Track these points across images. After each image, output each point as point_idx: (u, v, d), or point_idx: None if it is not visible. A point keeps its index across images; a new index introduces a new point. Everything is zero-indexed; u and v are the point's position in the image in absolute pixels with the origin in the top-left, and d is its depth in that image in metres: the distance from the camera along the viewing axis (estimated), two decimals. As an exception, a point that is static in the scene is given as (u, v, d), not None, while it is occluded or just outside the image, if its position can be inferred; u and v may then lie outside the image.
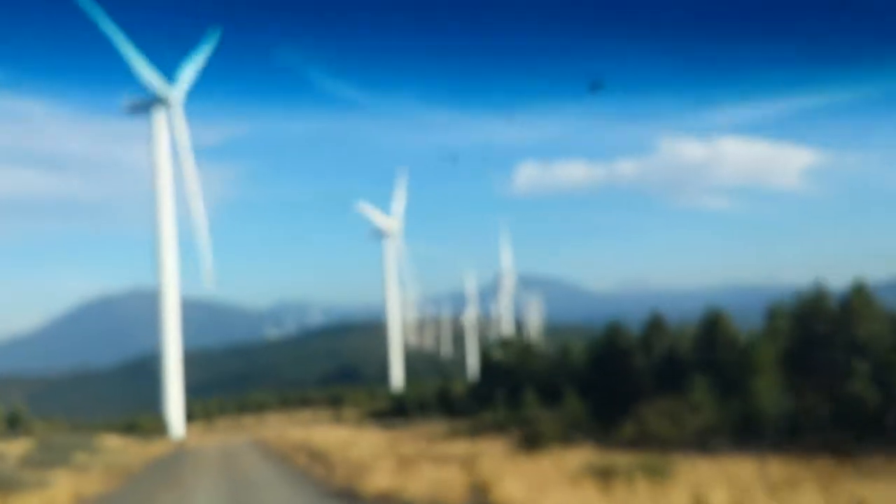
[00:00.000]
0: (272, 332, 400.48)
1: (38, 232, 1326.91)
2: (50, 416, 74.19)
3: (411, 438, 36.64)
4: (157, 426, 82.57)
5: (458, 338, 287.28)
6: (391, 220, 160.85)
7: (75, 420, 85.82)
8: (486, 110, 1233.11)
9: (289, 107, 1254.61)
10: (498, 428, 36.59)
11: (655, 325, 54.57)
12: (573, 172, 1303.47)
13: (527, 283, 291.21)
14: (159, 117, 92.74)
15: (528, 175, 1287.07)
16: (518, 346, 64.49)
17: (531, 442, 24.50)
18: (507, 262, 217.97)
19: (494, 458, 23.89)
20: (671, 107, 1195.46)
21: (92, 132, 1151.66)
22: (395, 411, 69.87)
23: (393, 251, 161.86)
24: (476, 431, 35.02)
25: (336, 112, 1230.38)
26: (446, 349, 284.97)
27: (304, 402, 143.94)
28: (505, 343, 65.55)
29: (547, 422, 24.88)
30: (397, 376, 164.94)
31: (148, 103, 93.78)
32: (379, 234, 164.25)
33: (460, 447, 29.21)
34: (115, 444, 46.54)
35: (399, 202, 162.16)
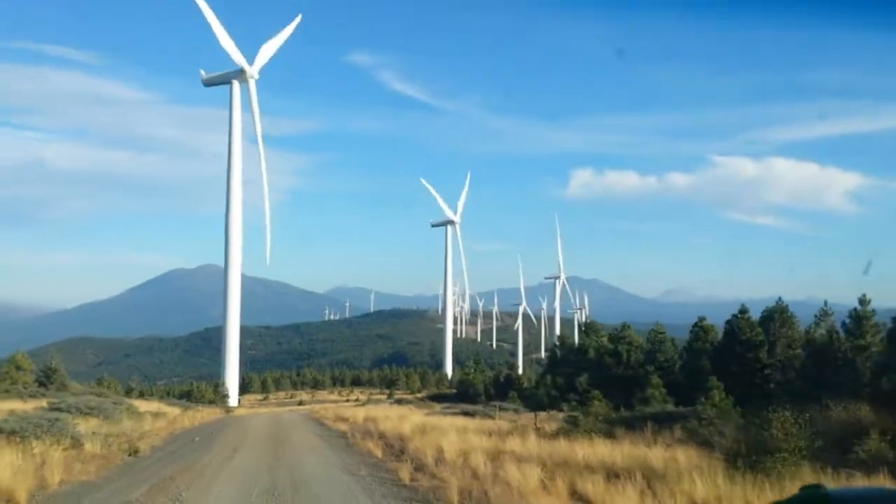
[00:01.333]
0: (330, 315, 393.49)
1: (123, 209, 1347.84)
2: (106, 377, 64.26)
3: (512, 431, 25.74)
4: (211, 394, 73.73)
5: (502, 331, 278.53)
6: (454, 214, 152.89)
7: (130, 382, 76.54)
8: (544, 119, 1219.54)
9: (361, 105, 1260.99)
10: (624, 425, 25.66)
11: (781, 317, 43.17)
12: (625, 181, 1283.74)
13: (574, 283, 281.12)
14: (235, 90, 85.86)
15: (581, 181, 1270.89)
16: (606, 335, 53.31)
17: (756, 455, 13.63)
18: (561, 261, 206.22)
19: (705, 480, 13.05)
20: (724, 124, 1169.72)
21: (179, 118, 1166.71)
22: (460, 395, 59.07)
23: (452, 242, 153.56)
24: (597, 428, 24.19)
25: (403, 112, 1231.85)
26: (493, 341, 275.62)
27: (357, 382, 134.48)
28: (591, 329, 54.27)
29: (786, 425, 13.83)
30: (449, 362, 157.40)
31: (226, 77, 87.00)
32: (441, 225, 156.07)
33: (606, 451, 18.33)
34: (151, 409, 36.51)
35: (462, 198, 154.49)
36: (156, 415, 33.74)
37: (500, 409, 40.23)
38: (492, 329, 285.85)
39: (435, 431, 24.57)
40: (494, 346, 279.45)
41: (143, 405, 37.72)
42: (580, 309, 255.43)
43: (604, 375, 47.14)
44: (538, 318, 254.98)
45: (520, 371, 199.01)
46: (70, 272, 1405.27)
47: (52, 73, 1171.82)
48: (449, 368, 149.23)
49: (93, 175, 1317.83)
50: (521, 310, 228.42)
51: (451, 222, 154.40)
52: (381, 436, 24.92)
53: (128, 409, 32.05)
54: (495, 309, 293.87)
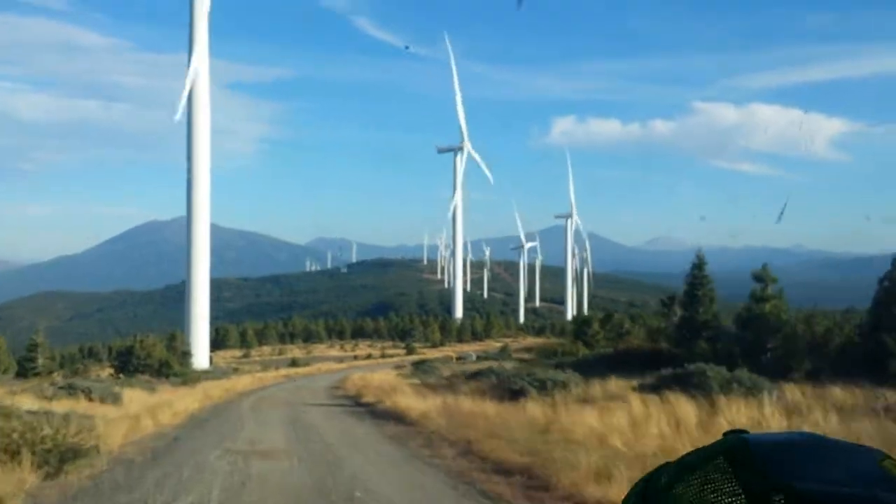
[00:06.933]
0: (311, 266, 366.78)
1: (96, 159, 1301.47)
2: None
3: None
4: (163, 352, 45.84)
5: (490, 281, 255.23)
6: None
7: (35, 336, 48.69)
8: (523, 65, 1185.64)
9: (335, 52, 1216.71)
10: None
11: None
12: (608, 129, 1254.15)
13: (557, 231, 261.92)
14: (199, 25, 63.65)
15: (563, 128, 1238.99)
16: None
17: None
18: (573, 199, 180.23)
19: None
20: (706, 70, 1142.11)
21: (147, 66, 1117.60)
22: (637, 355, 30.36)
23: (462, 167, 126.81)
24: None
25: (380, 60, 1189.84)
26: (484, 290, 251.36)
27: (360, 334, 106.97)
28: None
29: None
30: (460, 307, 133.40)
31: None
32: (448, 151, 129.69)
33: None
34: None
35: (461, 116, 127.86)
36: None
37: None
38: (481, 278, 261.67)
39: None
40: (486, 295, 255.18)
41: None
42: (582, 254, 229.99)
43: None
44: (532, 267, 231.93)
45: (521, 319, 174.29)
46: (43, 225, 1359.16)
47: (17, 20, 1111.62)
48: (459, 314, 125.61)
49: (63, 125, 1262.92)
50: (521, 252, 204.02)
51: (461, 148, 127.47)
52: None
53: None
54: (486, 257, 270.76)
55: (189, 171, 63.01)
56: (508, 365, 31.67)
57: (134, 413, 16.56)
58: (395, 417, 16.37)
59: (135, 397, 22.21)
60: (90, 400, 19.63)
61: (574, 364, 29.39)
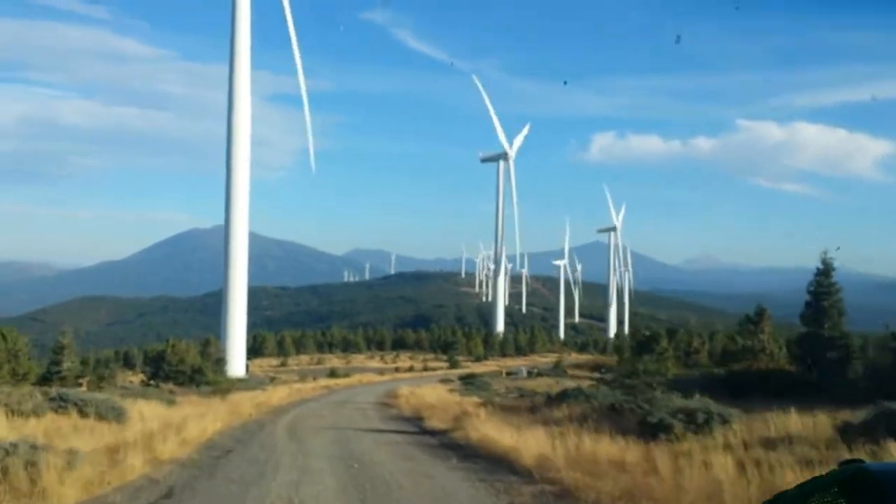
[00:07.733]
0: (349, 277, 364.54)
1: (141, 166, 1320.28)
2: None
3: None
4: (196, 357, 41.78)
5: (530, 295, 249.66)
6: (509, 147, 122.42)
7: (61, 338, 44.24)
8: (562, 80, 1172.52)
9: (376, 64, 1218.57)
10: None
11: None
12: (648, 146, 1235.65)
13: (596, 248, 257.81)
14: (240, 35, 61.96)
15: (602, 145, 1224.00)
16: None
17: None
18: (613, 214, 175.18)
19: None
20: (749, 87, 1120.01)
21: (191, 75, 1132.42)
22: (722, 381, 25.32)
23: (504, 180, 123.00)
24: None
25: (421, 72, 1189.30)
26: (523, 305, 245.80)
27: (400, 345, 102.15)
28: None
29: None
30: (501, 320, 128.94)
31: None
32: (492, 160, 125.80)
33: None
34: None
35: (522, 135, 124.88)
36: None
37: None
38: (520, 293, 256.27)
39: None
40: (524, 310, 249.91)
41: None
42: (622, 271, 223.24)
43: None
44: (568, 283, 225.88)
45: (561, 335, 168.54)
46: (88, 230, 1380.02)
47: (62, 28, 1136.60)
48: (500, 327, 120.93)
49: (107, 132, 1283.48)
50: (562, 267, 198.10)
51: (505, 156, 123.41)
52: None
53: None
54: (524, 271, 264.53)
55: (228, 180, 61.36)
56: (572, 383, 26.45)
57: (130, 439, 11.76)
58: (497, 461, 11.24)
59: (146, 412, 17.58)
60: (83, 416, 15.02)
61: (672, 385, 24.13)
